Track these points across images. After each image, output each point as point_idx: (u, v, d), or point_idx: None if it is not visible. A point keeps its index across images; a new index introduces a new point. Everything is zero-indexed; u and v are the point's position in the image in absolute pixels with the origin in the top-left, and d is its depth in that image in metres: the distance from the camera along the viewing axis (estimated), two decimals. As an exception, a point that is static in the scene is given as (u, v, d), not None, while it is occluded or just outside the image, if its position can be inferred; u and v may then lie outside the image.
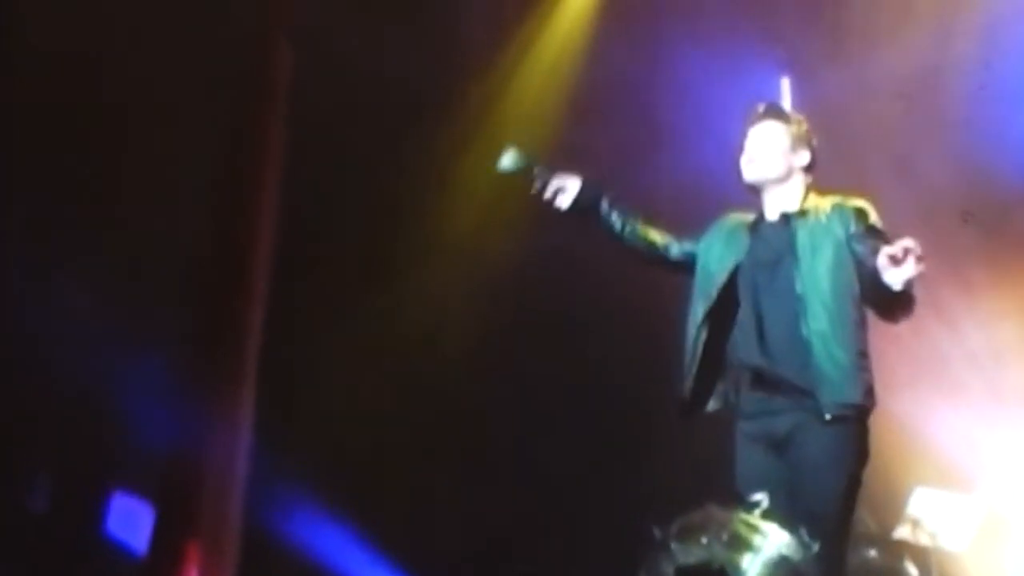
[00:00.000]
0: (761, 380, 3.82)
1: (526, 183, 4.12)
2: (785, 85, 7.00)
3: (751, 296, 3.89)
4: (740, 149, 4.08)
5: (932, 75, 6.58)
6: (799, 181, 4.04)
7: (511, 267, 6.81)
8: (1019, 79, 6.37)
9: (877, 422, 6.31)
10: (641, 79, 6.87)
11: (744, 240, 3.98)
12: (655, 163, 6.80)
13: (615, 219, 4.16)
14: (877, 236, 3.82)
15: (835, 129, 7.13)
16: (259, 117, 6.78)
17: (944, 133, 6.58)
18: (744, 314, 3.90)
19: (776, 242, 3.93)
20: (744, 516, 3.70)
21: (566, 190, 4.14)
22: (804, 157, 4.06)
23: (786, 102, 6.98)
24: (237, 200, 6.78)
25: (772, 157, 4.01)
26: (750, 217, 4.07)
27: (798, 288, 3.80)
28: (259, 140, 6.77)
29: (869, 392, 3.83)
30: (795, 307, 3.77)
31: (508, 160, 4.14)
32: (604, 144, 6.63)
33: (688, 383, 3.95)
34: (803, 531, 3.48)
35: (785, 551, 3.50)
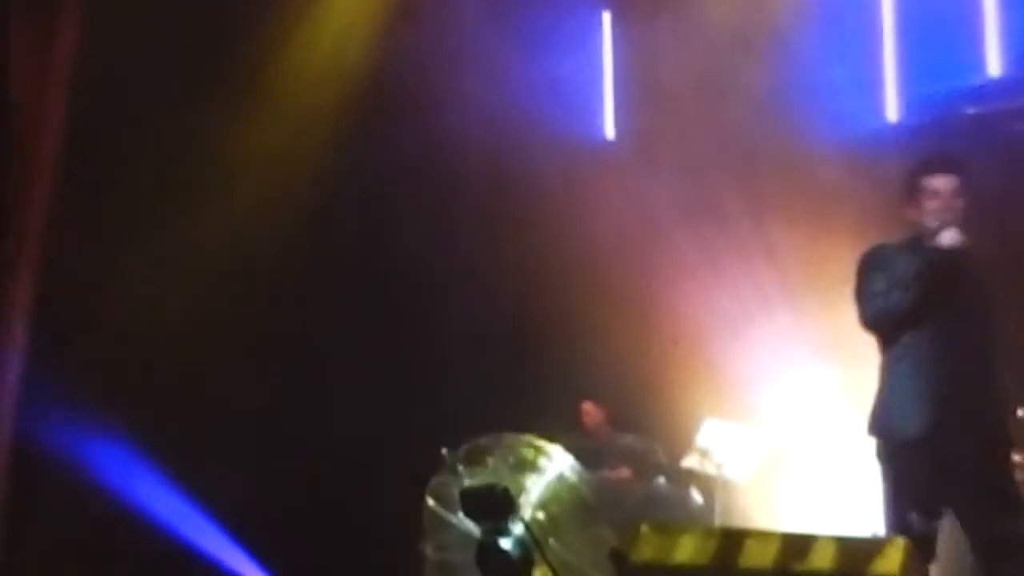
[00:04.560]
0: None
1: None
2: (606, 18, 6.94)
3: None
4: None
5: (754, 29, 6.62)
6: None
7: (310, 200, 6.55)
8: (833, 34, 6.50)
9: (674, 356, 6.50)
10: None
11: None
12: (472, 86, 6.65)
13: None
14: None
15: (655, 72, 7.24)
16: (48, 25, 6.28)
17: (760, 85, 6.64)
18: None
19: None
20: (531, 440, 3.69)
21: None
22: None
23: (607, 37, 7.00)
24: (17, 110, 6.27)
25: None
26: None
27: None
28: (46, 52, 6.28)
29: None
30: None
31: None
32: (421, 59, 6.45)
33: None
34: None
35: (567, 472, 3.52)
